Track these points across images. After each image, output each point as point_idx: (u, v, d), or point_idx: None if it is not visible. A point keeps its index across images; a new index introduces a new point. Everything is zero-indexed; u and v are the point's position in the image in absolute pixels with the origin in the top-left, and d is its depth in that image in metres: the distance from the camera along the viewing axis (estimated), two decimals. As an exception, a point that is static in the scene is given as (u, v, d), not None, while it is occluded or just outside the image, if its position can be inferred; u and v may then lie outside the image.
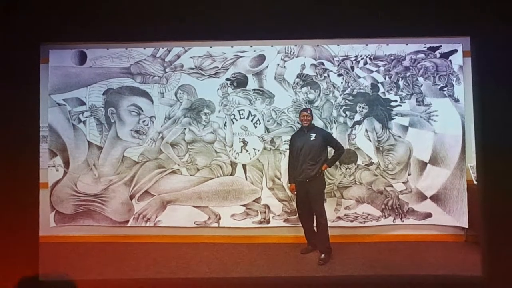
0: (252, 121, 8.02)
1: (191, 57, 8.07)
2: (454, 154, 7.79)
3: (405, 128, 7.89)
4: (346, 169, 7.93)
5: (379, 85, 7.92)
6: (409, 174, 7.89)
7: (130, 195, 8.07)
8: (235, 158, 8.03)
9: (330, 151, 7.25)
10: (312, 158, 6.98)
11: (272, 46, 8.01)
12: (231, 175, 8.05)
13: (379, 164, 7.91)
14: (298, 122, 7.69)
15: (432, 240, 7.86)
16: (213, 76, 8.06)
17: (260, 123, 8.01)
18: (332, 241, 7.08)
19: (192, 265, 6.90)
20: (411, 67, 7.88)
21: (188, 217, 8.07)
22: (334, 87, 7.95)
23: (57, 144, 8.07)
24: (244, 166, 8.05)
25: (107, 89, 8.12)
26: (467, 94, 7.70)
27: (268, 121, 7.99)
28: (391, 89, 7.89)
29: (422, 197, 7.88)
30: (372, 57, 7.94)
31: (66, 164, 8.09)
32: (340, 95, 7.95)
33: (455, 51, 7.83)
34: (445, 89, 7.83)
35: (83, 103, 8.11)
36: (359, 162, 7.94)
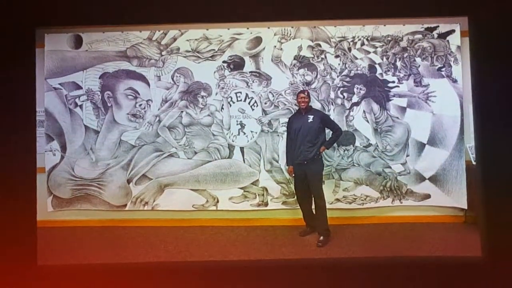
0: (249, 103, 8.00)
1: (187, 40, 8.03)
2: (452, 135, 7.76)
3: (403, 109, 7.87)
4: (344, 150, 7.91)
5: (377, 66, 7.89)
6: (407, 155, 7.87)
7: (127, 179, 8.07)
8: (233, 141, 8.01)
9: (328, 132, 7.23)
10: (310, 140, 6.95)
11: (268, 28, 7.98)
12: (228, 158, 8.04)
13: (377, 146, 7.89)
14: (295, 104, 7.67)
15: (431, 221, 7.86)
16: (210, 58, 8.02)
17: (257, 105, 7.98)
18: (331, 223, 7.08)
19: (191, 248, 6.90)
20: (408, 48, 7.85)
21: (186, 200, 8.08)
22: (331, 69, 7.92)
23: (54, 128, 8.04)
24: (241, 149, 8.04)
25: (103, 73, 8.08)
26: (465, 75, 7.66)
27: (265, 103, 7.97)
28: (388, 70, 7.86)
29: (420, 178, 7.87)
30: (369, 38, 7.91)
31: (63, 148, 8.07)
32: (337, 76, 7.92)
33: (453, 31, 7.79)
34: (443, 69, 7.80)
35: (80, 87, 8.08)
36: (357, 143, 7.92)
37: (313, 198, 7.14)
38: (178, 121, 8.02)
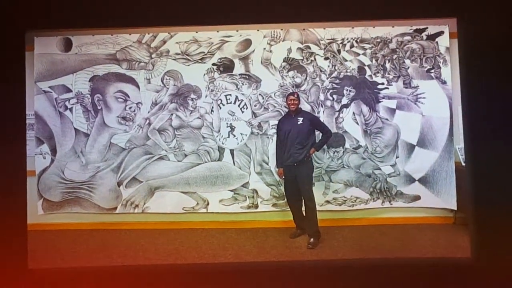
0: (239, 106, 8.00)
1: (177, 43, 8.02)
2: (442, 136, 7.78)
3: (392, 111, 7.88)
4: (334, 152, 7.92)
5: (366, 68, 7.91)
6: (397, 157, 7.89)
7: (117, 182, 8.05)
8: (223, 143, 8.01)
9: (318, 134, 7.23)
10: (300, 142, 6.95)
11: (258, 30, 7.98)
12: (218, 160, 8.03)
13: (367, 147, 7.90)
14: (285, 106, 7.65)
15: (421, 223, 7.87)
16: (199, 61, 8.02)
17: (247, 107, 7.98)
18: (321, 225, 7.08)
19: (181, 251, 6.89)
20: (397, 50, 7.87)
21: (176, 203, 8.06)
22: (321, 71, 7.93)
23: (44, 131, 8.02)
24: (231, 151, 8.04)
25: (93, 76, 8.07)
26: (454, 76, 7.69)
27: (255, 105, 7.98)
28: (378, 72, 7.88)
29: (410, 179, 7.88)
30: (358, 40, 7.93)
31: (53, 151, 8.05)
32: (327, 78, 7.93)
33: (442, 32, 7.81)
34: (432, 71, 7.82)
35: (69, 90, 8.06)
36: (346, 145, 7.93)
37: (303, 200, 7.13)
38: (168, 124, 8.01)
